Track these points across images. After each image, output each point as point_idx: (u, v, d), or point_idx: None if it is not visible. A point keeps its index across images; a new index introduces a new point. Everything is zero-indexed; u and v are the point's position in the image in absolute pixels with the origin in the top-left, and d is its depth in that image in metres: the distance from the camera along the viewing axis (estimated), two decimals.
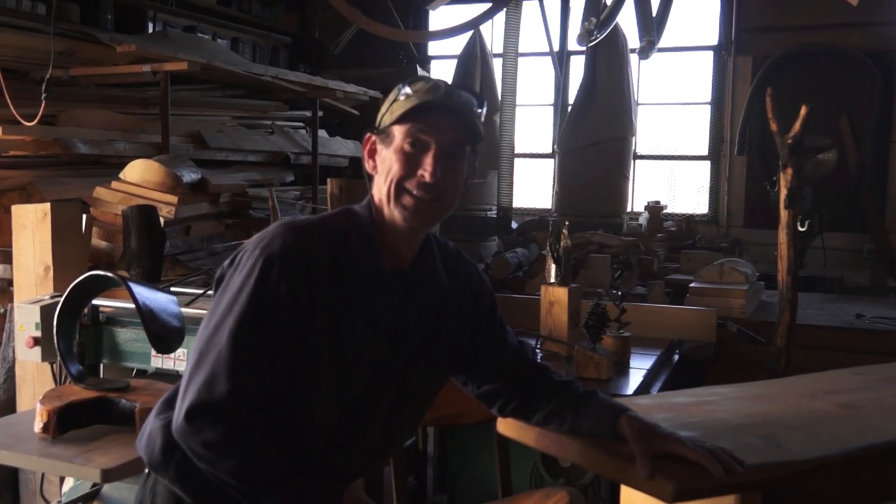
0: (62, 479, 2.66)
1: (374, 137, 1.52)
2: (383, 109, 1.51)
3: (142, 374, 2.69)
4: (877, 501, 1.64)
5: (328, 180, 3.87)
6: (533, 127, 7.49)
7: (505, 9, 5.59)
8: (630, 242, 4.88)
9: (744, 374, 2.58)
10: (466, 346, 1.64)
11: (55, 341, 2.39)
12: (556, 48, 6.84)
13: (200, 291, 2.84)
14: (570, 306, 2.93)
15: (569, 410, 1.60)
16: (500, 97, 6.46)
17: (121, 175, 3.98)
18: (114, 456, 2.04)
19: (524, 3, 6.02)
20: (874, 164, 6.24)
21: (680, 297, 3.84)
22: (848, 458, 1.51)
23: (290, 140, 6.25)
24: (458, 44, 6.95)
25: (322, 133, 6.52)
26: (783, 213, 3.03)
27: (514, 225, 6.55)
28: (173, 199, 3.84)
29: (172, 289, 2.76)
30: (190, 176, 4.05)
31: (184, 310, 2.39)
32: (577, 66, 6.85)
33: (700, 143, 7.02)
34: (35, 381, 3.02)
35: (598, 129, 6.35)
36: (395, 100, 1.48)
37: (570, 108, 6.84)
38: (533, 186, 7.45)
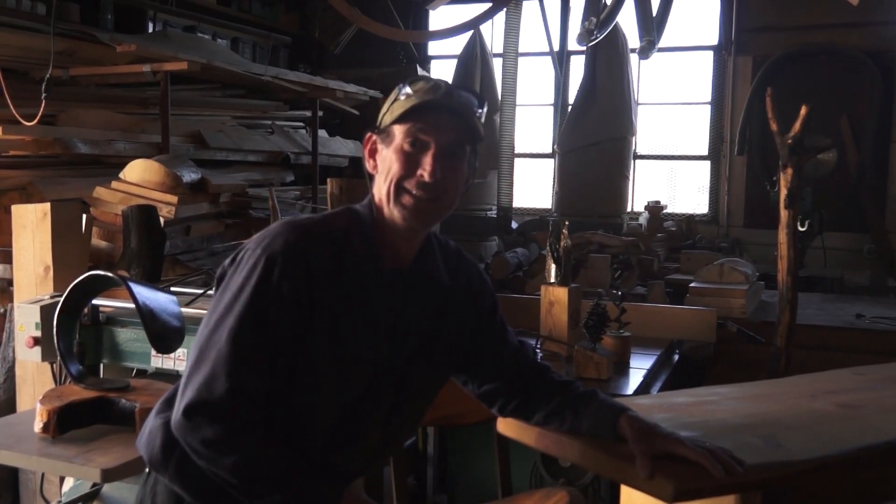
0: (62, 479, 2.66)
1: (374, 137, 1.53)
2: (384, 109, 1.51)
3: (142, 373, 2.69)
4: (877, 501, 1.64)
5: (328, 180, 3.87)
6: (533, 127, 7.49)
7: (505, 9, 5.59)
8: (630, 242, 4.88)
9: (744, 374, 2.58)
10: (467, 345, 1.64)
11: (55, 341, 2.39)
12: (556, 48, 6.84)
13: (200, 291, 2.84)
14: (570, 306, 2.93)
15: (569, 410, 1.60)
16: (500, 97, 6.45)
17: (121, 175, 3.98)
18: (114, 456, 2.04)
19: (524, 2, 6.02)
20: (874, 163, 6.24)
21: (680, 297, 3.84)
22: (848, 458, 1.51)
23: (290, 140, 6.25)
24: (458, 44, 6.95)
25: (322, 133, 6.53)
26: (783, 213, 3.03)
27: (514, 225, 6.55)
28: (173, 199, 3.84)
29: (172, 289, 2.75)
30: (190, 176, 4.04)
31: (184, 310, 2.39)
32: (577, 66, 6.86)
33: (700, 142, 7.02)
34: (35, 381, 3.02)
35: (598, 129, 6.35)
36: (396, 99, 1.48)
37: (570, 107, 6.84)
38: (533, 186, 7.45)
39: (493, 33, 7.16)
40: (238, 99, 6.01)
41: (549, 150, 7.22)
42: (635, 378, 2.74)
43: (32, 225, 3.06)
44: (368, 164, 1.54)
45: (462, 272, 1.64)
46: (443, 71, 7.75)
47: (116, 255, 3.53)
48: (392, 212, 1.48)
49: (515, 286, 4.37)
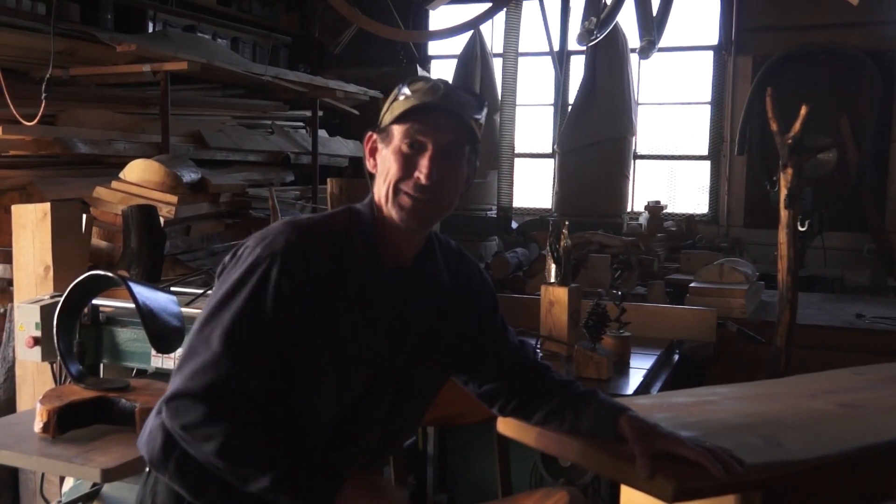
0: (62, 479, 2.66)
1: (375, 136, 1.53)
2: (384, 108, 1.52)
3: (142, 373, 2.69)
4: (877, 501, 1.64)
5: (328, 180, 3.87)
6: (533, 127, 7.49)
7: (505, 8, 5.59)
8: (630, 242, 4.88)
9: (744, 373, 2.58)
10: (467, 345, 1.64)
11: (55, 341, 2.39)
12: (556, 48, 6.84)
13: (200, 291, 2.84)
14: (570, 306, 2.93)
15: (569, 410, 1.60)
16: (500, 97, 6.45)
17: (121, 175, 3.98)
18: (114, 456, 2.04)
19: (524, 2, 6.02)
20: (874, 163, 6.24)
21: (680, 297, 3.84)
22: (848, 458, 1.51)
23: (290, 140, 6.25)
24: (458, 43, 6.96)
25: (322, 133, 6.53)
26: (783, 213, 3.03)
27: (514, 225, 6.55)
28: (173, 198, 3.84)
29: (172, 288, 2.75)
30: (190, 176, 4.04)
31: (184, 309, 2.39)
32: (578, 66, 6.86)
33: (700, 142, 7.02)
34: (35, 381, 3.02)
35: (598, 129, 6.35)
36: (395, 99, 1.49)
37: (570, 107, 6.84)
38: (533, 186, 7.45)
39: (493, 33, 7.16)
40: (238, 99, 6.01)
41: (549, 150, 7.22)
42: (635, 378, 2.74)
43: (32, 225, 3.06)
44: (369, 164, 1.55)
45: (463, 272, 1.64)
46: (443, 71, 7.75)
47: (116, 255, 3.53)
48: (390, 212, 1.48)
49: (515, 286, 4.37)
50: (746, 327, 3.48)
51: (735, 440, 1.52)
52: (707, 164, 6.95)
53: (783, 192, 3.01)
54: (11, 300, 3.21)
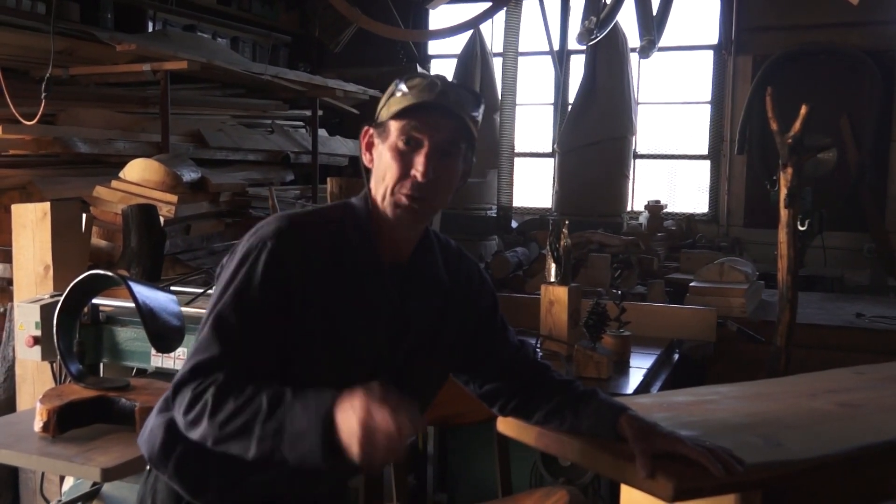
0: (62, 479, 2.66)
1: (371, 131, 1.53)
2: (381, 103, 1.52)
3: (142, 373, 2.69)
4: (877, 501, 1.64)
5: (328, 179, 3.87)
6: (533, 126, 7.49)
7: (505, 8, 5.59)
8: (630, 241, 4.88)
9: (744, 373, 2.58)
10: (467, 345, 1.64)
11: (55, 340, 2.39)
12: (556, 47, 6.84)
13: (200, 290, 2.84)
14: (570, 305, 2.93)
15: (569, 409, 1.60)
16: (500, 96, 6.45)
17: (121, 174, 3.98)
18: (114, 455, 2.04)
19: (524, 2, 6.02)
20: (874, 163, 6.24)
21: (680, 297, 3.84)
22: (848, 458, 1.51)
23: (290, 139, 6.25)
24: (458, 43, 6.96)
25: (322, 132, 6.52)
26: (783, 213, 3.03)
27: (514, 224, 6.55)
28: (173, 198, 3.84)
29: (172, 288, 2.75)
30: (190, 175, 4.04)
31: (184, 309, 2.39)
32: (577, 66, 6.85)
33: (700, 142, 7.02)
34: (35, 381, 3.02)
35: (598, 129, 6.35)
36: (392, 95, 1.49)
37: (570, 107, 6.84)
38: (533, 185, 7.45)
39: (493, 32, 7.16)
40: (238, 98, 6.01)
41: (549, 150, 7.22)
42: (635, 377, 2.75)
43: (32, 224, 3.06)
44: (365, 158, 1.55)
45: (463, 272, 1.64)
46: (443, 70, 7.74)
47: (116, 255, 3.52)
48: (385, 209, 1.48)
49: (515, 285, 4.37)
50: (746, 327, 3.48)
51: (735, 440, 1.52)
52: (707, 163, 6.95)
53: (783, 192, 3.01)
54: (11, 299, 3.21)
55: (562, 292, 2.94)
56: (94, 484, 2.38)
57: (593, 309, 2.78)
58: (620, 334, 2.88)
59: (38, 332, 2.65)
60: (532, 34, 6.80)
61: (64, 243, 3.08)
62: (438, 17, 7.51)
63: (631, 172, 6.71)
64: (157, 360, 2.57)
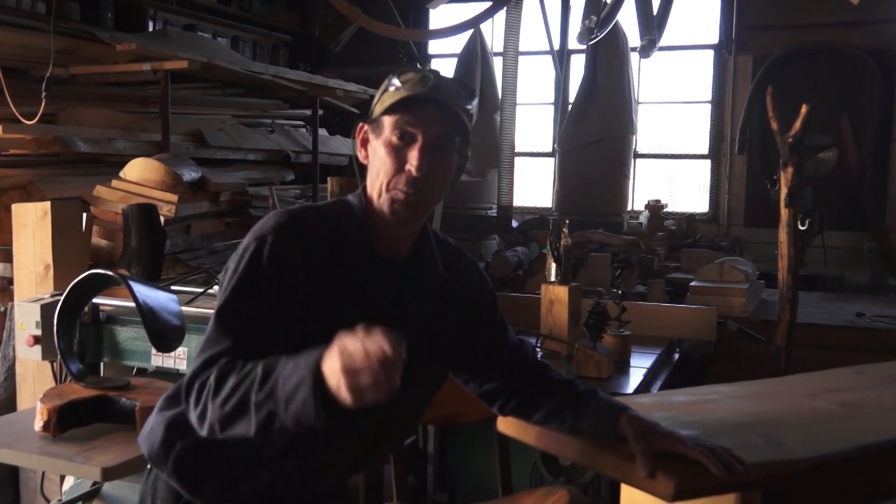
0: (62, 478, 2.66)
1: (366, 127, 1.53)
2: (375, 99, 1.52)
3: (142, 372, 2.69)
4: (877, 500, 1.64)
5: (328, 179, 3.88)
6: (533, 126, 7.48)
7: (505, 7, 5.59)
8: (630, 241, 4.88)
9: (744, 372, 2.58)
10: (467, 342, 1.64)
11: (55, 340, 2.39)
12: (556, 47, 6.84)
13: (201, 290, 2.84)
14: (570, 305, 2.93)
15: (569, 409, 1.60)
16: (500, 96, 6.45)
17: (121, 174, 3.98)
18: (114, 454, 2.04)
19: (524, 1, 6.02)
20: (874, 162, 6.24)
21: (680, 296, 3.84)
22: (848, 457, 1.51)
23: (291, 139, 6.25)
24: (458, 42, 6.95)
25: (322, 131, 6.52)
26: (783, 212, 3.03)
27: (514, 223, 6.55)
28: (173, 197, 3.84)
29: (173, 287, 2.75)
30: (190, 174, 4.04)
31: (184, 308, 2.39)
32: (578, 65, 6.85)
33: (700, 141, 7.02)
34: (35, 380, 3.03)
35: (598, 128, 6.35)
36: (386, 90, 1.49)
37: (570, 106, 6.84)
38: (533, 185, 7.44)
39: (494, 32, 7.16)
40: (238, 97, 6.01)
41: (550, 149, 7.21)
42: (636, 377, 2.75)
43: (33, 223, 3.07)
44: (360, 154, 1.55)
45: (462, 271, 1.64)
46: (443, 69, 7.72)
47: (117, 254, 3.53)
48: (382, 206, 1.48)
49: (516, 285, 4.37)
50: (747, 326, 3.48)
51: (735, 439, 1.52)
52: (707, 162, 6.94)
53: (783, 191, 3.01)
54: (12, 299, 3.21)
55: (562, 292, 2.94)
56: (95, 483, 2.38)
57: (594, 308, 2.78)
58: (621, 334, 2.88)
59: (39, 332, 2.65)
60: (532, 33, 6.80)
61: (64, 243, 3.08)
62: (439, 17, 7.51)
63: (631, 172, 6.71)
64: (158, 360, 2.57)
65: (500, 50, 6.51)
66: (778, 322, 3.09)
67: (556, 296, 2.95)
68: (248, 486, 1.49)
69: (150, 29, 5.98)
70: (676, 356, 3.24)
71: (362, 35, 6.46)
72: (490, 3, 5.29)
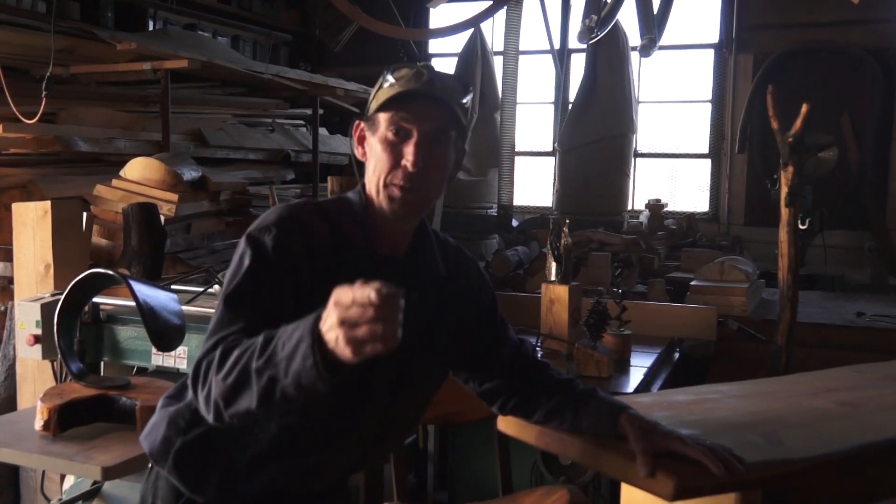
0: (63, 477, 2.66)
1: (362, 125, 1.54)
2: (370, 97, 1.52)
3: (142, 371, 2.69)
4: (877, 499, 1.64)
5: (329, 178, 3.88)
6: (533, 125, 7.48)
7: (505, 6, 5.59)
8: (631, 240, 4.88)
9: (744, 372, 2.58)
10: (467, 340, 1.64)
11: (56, 339, 2.39)
12: (556, 46, 6.84)
13: (201, 289, 2.84)
14: (570, 304, 2.93)
15: (569, 409, 1.60)
16: (500, 95, 6.45)
17: (121, 173, 3.98)
18: (114, 454, 2.04)
19: (525, 0, 6.02)
20: (875, 161, 6.24)
21: (680, 295, 3.84)
22: (848, 456, 1.51)
23: (291, 138, 6.25)
24: (458, 41, 6.95)
25: (322, 131, 6.53)
26: (784, 211, 3.03)
27: (514, 223, 6.55)
28: (174, 196, 3.84)
29: (173, 287, 2.75)
30: (190, 174, 4.04)
31: (184, 308, 2.39)
32: (578, 64, 6.85)
33: (701, 140, 7.02)
34: (36, 379, 3.03)
35: (598, 127, 6.35)
36: (381, 87, 1.49)
37: (570, 105, 6.84)
38: (533, 184, 7.45)
39: (494, 31, 7.15)
40: (238, 97, 6.02)
41: (550, 148, 7.21)
42: (636, 376, 2.75)
43: (33, 223, 3.07)
44: (358, 152, 1.55)
45: (462, 270, 1.64)
46: (443, 69, 7.73)
47: (117, 253, 3.53)
48: (381, 203, 1.48)
49: (516, 284, 4.37)
50: (747, 325, 3.48)
51: (736, 438, 1.52)
52: (708, 162, 6.95)
53: (784, 191, 3.01)
54: (12, 298, 3.21)
55: (562, 291, 2.94)
56: (95, 482, 2.38)
57: (594, 308, 2.78)
58: (621, 333, 2.88)
59: (39, 331, 2.65)
60: (533, 33, 6.80)
61: (64, 242, 3.08)
62: (439, 16, 7.51)
63: (631, 171, 6.71)
64: (158, 359, 2.57)
65: (501, 49, 6.52)
66: (778, 321, 3.09)
67: (556, 295, 2.95)
68: (249, 484, 1.49)
69: (151, 28, 5.98)
70: (676, 355, 3.24)
71: (362, 34, 6.46)
72: (490, 3, 5.29)
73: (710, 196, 6.90)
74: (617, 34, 6.23)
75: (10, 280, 3.33)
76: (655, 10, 5.74)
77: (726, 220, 6.73)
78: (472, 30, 6.38)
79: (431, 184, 1.49)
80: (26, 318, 2.69)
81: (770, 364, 3.06)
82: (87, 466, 2.01)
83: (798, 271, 3.13)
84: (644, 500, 1.52)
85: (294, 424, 1.45)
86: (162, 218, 3.42)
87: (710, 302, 3.54)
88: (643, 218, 6.12)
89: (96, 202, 3.88)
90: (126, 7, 5.81)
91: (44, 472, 2.76)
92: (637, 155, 6.98)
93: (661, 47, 6.01)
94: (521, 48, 6.25)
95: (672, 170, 7.19)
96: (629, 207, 6.63)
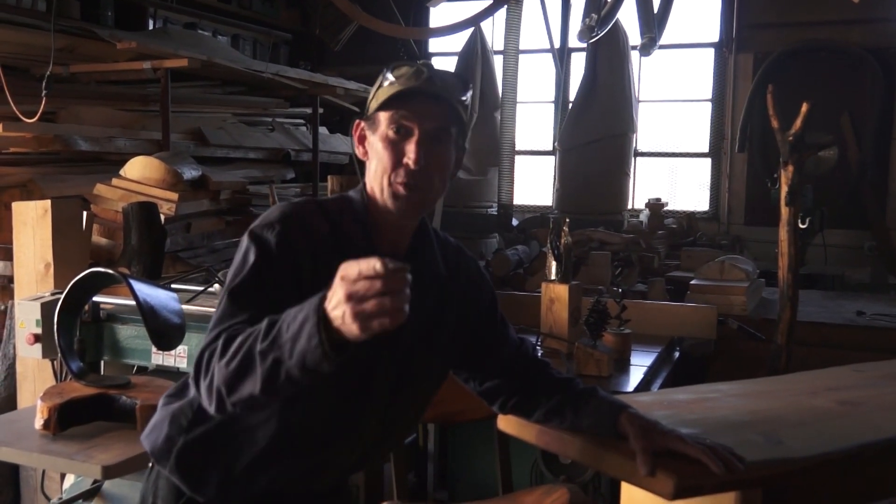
0: (63, 476, 2.67)
1: (362, 124, 1.54)
2: (370, 96, 1.52)
3: (142, 370, 2.69)
4: (877, 499, 1.64)
5: (329, 177, 3.88)
6: (534, 124, 7.48)
7: (505, 5, 5.59)
8: (631, 239, 4.88)
9: (744, 371, 2.58)
10: (467, 339, 1.64)
11: (56, 338, 2.39)
12: (556, 45, 6.84)
13: (201, 288, 2.84)
14: (570, 303, 2.93)
15: (569, 408, 1.60)
16: (500, 94, 6.45)
17: (121, 172, 3.98)
18: (114, 453, 2.04)
19: None
20: (875, 160, 6.24)
21: (680, 295, 3.84)
22: (848, 456, 1.51)
23: (291, 137, 6.25)
24: (458, 41, 6.95)
25: (322, 130, 6.52)
26: (784, 211, 3.03)
27: (514, 222, 6.55)
28: (174, 196, 3.84)
29: (173, 286, 2.75)
30: (190, 173, 4.04)
31: (184, 307, 2.39)
32: (578, 63, 6.85)
33: (701, 140, 7.02)
34: (36, 378, 3.03)
35: (598, 126, 6.35)
36: (380, 86, 1.49)
37: (570, 105, 6.84)
38: (534, 183, 7.45)
39: (494, 30, 7.15)
40: (238, 96, 6.01)
41: (550, 148, 7.21)
42: (636, 375, 2.75)
43: (33, 222, 3.07)
44: (358, 151, 1.55)
45: (462, 269, 1.64)
46: (444, 68, 7.72)
47: (117, 253, 3.53)
48: (385, 202, 1.48)
49: (516, 283, 4.37)
50: (747, 324, 3.48)
51: (736, 437, 1.52)
52: (708, 161, 6.94)
53: (784, 190, 3.01)
54: (12, 297, 3.21)
55: (562, 290, 2.94)
56: (95, 481, 2.38)
57: (594, 307, 2.78)
58: (621, 332, 2.88)
59: (39, 330, 2.65)
60: (533, 32, 6.80)
61: (64, 241, 3.08)
62: (439, 15, 7.51)
63: (632, 170, 6.71)
64: (158, 358, 2.57)
65: (501, 48, 6.52)
66: (778, 320, 3.09)
67: (556, 294, 2.95)
68: (249, 484, 1.49)
69: (151, 27, 5.98)
70: (677, 354, 3.24)
71: (363, 33, 6.46)
72: (490, 2, 5.28)
73: (711, 195, 6.90)
74: (617, 33, 6.23)
75: (10, 279, 3.33)
76: (656, 10, 5.74)
77: (726, 219, 6.73)
78: (472, 29, 6.39)
79: (434, 181, 1.49)
80: (26, 317, 2.69)
81: (770, 363, 3.05)
82: (87, 465, 2.01)
83: (798, 270, 3.12)
84: (644, 498, 1.52)
85: (294, 424, 1.45)
86: (162, 217, 3.42)
87: (710, 301, 3.54)
88: (643, 217, 6.12)
89: (96, 201, 3.88)
90: (126, 6, 5.81)
91: (44, 471, 2.76)
92: (637, 154, 6.98)
93: (662, 46, 6.01)
94: (521, 47, 6.25)
95: (672, 169, 7.19)
96: (629, 206, 6.63)
